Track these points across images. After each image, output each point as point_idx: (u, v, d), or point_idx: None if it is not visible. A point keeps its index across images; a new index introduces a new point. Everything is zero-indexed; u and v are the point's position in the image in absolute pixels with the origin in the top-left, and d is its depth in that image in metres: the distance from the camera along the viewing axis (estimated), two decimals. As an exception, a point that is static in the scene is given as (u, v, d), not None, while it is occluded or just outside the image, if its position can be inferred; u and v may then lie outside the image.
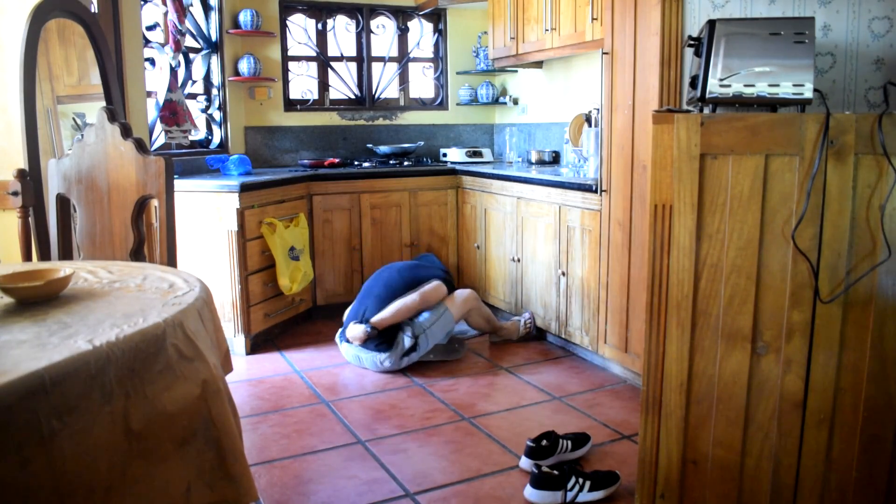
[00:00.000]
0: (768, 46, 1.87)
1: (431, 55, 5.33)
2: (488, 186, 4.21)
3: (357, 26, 5.08)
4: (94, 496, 1.01)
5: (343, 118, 5.04)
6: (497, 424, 2.85)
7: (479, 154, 4.94)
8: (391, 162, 4.79)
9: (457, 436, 2.76)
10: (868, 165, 1.76)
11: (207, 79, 4.51)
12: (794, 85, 1.86)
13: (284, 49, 4.85)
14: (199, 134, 4.47)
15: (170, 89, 3.99)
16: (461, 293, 3.70)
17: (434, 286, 3.55)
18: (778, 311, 1.84)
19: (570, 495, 2.24)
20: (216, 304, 1.63)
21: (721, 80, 1.89)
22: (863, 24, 2.18)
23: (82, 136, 2.13)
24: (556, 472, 2.26)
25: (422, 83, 5.36)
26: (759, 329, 1.86)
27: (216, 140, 4.57)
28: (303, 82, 4.98)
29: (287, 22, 4.87)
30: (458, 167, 4.62)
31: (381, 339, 3.42)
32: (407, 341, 3.41)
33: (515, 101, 5.11)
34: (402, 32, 5.21)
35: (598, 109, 3.49)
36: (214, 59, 4.49)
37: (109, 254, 2.12)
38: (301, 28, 4.93)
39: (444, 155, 5.00)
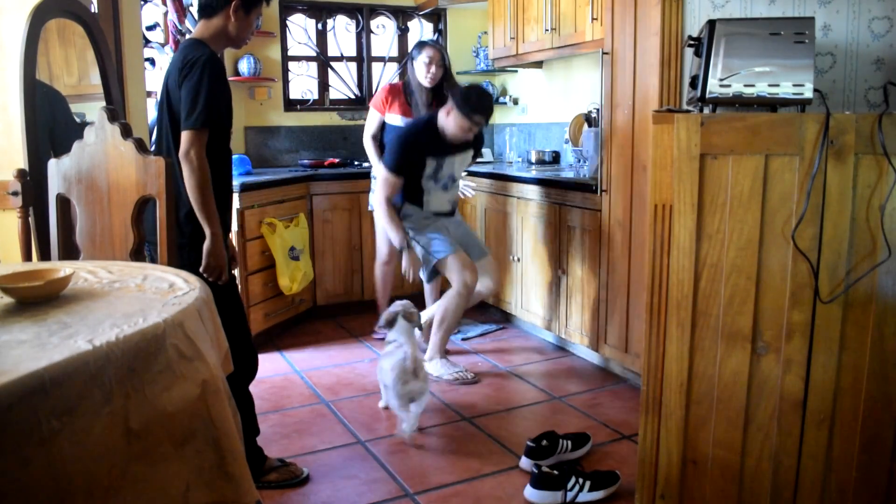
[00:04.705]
0: (768, 46, 1.87)
1: (431, 55, 5.33)
2: (488, 186, 4.21)
3: (357, 26, 5.08)
4: (94, 496, 1.01)
5: (343, 118, 5.04)
6: (497, 424, 2.85)
7: (479, 154, 4.93)
8: (391, 162, 4.78)
9: (457, 436, 2.76)
10: (868, 165, 1.76)
11: (207, 79, 4.50)
12: (794, 85, 1.86)
13: (284, 49, 4.85)
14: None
15: (170, 89, 3.99)
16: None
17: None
18: (778, 311, 1.84)
19: (570, 495, 2.24)
20: (216, 304, 1.63)
21: (721, 80, 1.89)
22: (863, 24, 2.18)
23: (82, 136, 2.13)
24: (556, 472, 2.26)
25: (422, 83, 5.35)
26: (759, 329, 1.86)
27: (216, 140, 4.57)
28: (303, 82, 4.98)
29: (287, 22, 4.87)
30: (458, 167, 4.62)
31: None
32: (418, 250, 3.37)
33: (515, 101, 5.11)
34: (402, 32, 5.21)
35: (598, 109, 3.49)
36: (214, 59, 4.49)
37: (109, 254, 2.11)
38: (301, 28, 4.93)
39: (444, 155, 4.99)
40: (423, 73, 3.66)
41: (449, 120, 3.26)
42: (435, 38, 5.30)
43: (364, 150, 3.96)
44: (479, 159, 3.83)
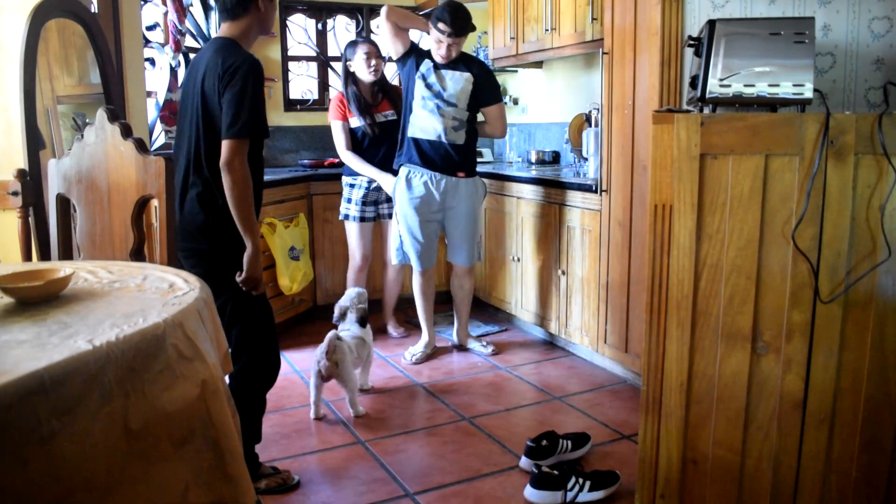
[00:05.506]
0: (768, 46, 1.87)
1: (431, 55, 5.32)
2: (488, 186, 4.21)
3: (357, 26, 5.08)
4: (93, 496, 1.01)
5: (343, 118, 5.03)
6: (497, 424, 2.85)
7: (480, 154, 4.93)
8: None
9: (457, 436, 2.76)
10: (868, 165, 1.76)
11: (207, 79, 4.50)
12: (794, 85, 1.86)
13: (284, 49, 4.85)
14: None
15: (170, 89, 3.99)
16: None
17: None
18: (778, 311, 1.84)
19: (570, 495, 2.24)
20: (216, 304, 1.63)
21: (721, 80, 1.89)
22: (863, 24, 2.18)
23: (82, 136, 2.13)
24: (556, 472, 2.27)
25: (422, 83, 5.35)
26: (759, 329, 1.86)
27: (216, 140, 4.57)
28: (303, 82, 4.98)
29: (287, 22, 4.87)
30: (458, 167, 4.61)
31: None
32: None
33: (515, 101, 5.11)
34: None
35: (598, 109, 3.49)
36: (214, 59, 4.48)
37: (109, 254, 2.11)
38: (301, 28, 4.93)
39: (445, 155, 4.99)
40: (364, 68, 3.74)
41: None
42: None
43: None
44: (487, 106, 3.53)
